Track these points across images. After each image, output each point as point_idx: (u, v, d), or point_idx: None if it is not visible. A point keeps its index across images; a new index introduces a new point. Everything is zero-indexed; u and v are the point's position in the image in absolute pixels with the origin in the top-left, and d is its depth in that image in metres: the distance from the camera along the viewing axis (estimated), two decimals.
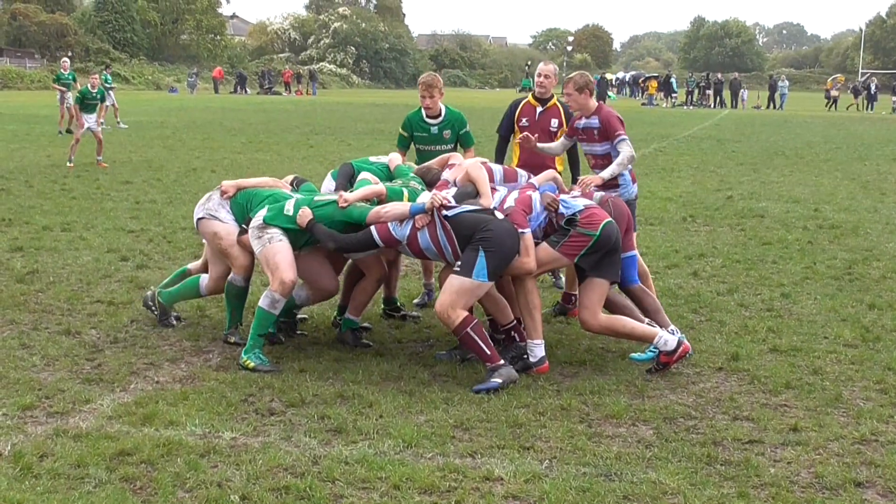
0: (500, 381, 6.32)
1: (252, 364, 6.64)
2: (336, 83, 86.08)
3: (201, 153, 21.80)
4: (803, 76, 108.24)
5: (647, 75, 73.49)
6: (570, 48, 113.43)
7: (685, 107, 56.90)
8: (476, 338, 6.42)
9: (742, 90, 57.74)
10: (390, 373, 6.59)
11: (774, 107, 55.58)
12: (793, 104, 58.55)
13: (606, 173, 7.58)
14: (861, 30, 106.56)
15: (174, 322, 7.71)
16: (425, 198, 6.77)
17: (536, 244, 6.77)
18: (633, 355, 6.92)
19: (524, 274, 6.74)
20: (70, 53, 67.20)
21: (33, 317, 7.85)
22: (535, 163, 8.40)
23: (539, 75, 8.95)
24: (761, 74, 79.28)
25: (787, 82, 60.51)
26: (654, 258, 10.46)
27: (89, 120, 19.30)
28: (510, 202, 6.81)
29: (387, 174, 7.55)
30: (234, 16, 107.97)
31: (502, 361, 6.45)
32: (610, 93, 65.50)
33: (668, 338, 6.66)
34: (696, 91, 59.55)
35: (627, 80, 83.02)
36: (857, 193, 16.95)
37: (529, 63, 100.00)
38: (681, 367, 6.88)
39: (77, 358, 6.79)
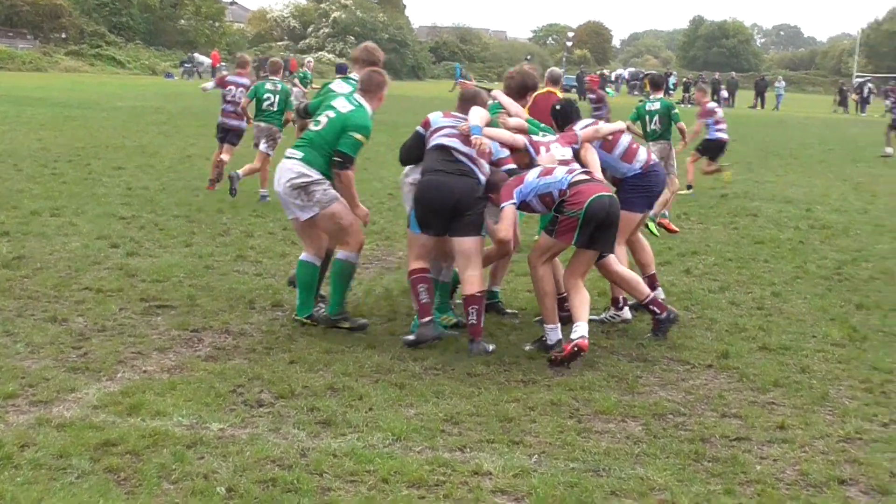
0: (412, 337, 7.01)
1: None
2: (335, 73, 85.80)
3: (196, 140, 21.61)
4: (799, 77, 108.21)
5: (644, 73, 73.41)
6: (570, 44, 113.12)
7: (681, 105, 56.86)
8: (414, 288, 7.03)
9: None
10: (382, 365, 6.56)
11: (762, 106, 55.87)
12: (788, 105, 58.58)
13: None
14: (859, 33, 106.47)
15: (364, 322, 7.50)
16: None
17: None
18: None
19: (495, 242, 7.15)
20: (64, 35, 66.56)
21: (18, 303, 7.72)
22: None
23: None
24: (758, 75, 79.26)
25: (783, 83, 60.73)
26: None
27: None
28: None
29: None
30: (233, 2, 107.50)
31: (428, 319, 6.97)
32: (608, 89, 65.43)
33: (551, 336, 6.95)
34: (692, 88, 59.52)
35: (625, 76, 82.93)
36: (849, 195, 17.00)
37: (529, 57, 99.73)
38: (671, 363, 6.89)
39: (63, 346, 6.70)
